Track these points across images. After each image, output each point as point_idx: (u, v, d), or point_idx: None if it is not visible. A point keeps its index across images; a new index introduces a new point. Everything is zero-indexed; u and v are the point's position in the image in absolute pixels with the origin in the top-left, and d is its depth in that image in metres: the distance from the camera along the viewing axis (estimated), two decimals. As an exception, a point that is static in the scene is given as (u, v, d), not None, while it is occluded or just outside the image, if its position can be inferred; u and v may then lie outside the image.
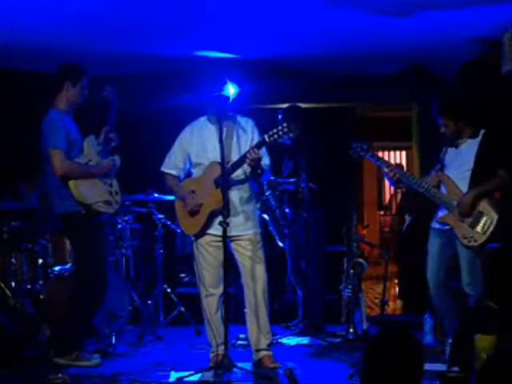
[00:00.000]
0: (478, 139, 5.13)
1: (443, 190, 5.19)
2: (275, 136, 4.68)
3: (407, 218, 7.68)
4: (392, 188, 11.06)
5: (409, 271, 7.47)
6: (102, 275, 5.04)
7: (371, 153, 5.34)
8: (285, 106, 6.41)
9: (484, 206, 5.02)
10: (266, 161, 4.94)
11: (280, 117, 6.16)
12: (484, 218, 5.01)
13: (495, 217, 4.99)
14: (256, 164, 4.77)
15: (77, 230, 5.06)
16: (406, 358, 2.48)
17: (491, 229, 4.99)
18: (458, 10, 5.45)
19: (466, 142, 5.17)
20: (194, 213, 4.93)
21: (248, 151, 4.74)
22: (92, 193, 4.97)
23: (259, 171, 4.88)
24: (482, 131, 5.15)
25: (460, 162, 5.15)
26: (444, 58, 6.84)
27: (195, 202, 4.91)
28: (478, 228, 5.00)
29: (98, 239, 5.06)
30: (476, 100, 5.74)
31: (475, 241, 5.00)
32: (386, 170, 5.22)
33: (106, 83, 5.25)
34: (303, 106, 6.61)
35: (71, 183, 4.91)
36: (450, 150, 5.22)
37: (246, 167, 4.86)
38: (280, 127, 4.67)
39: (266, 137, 4.71)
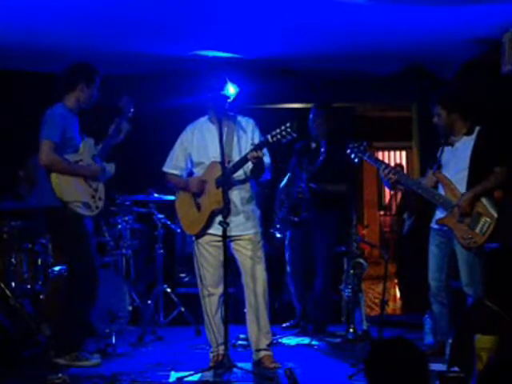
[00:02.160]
0: (473, 136, 5.13)
1: (441, 190, 5.19)
2: (278, 136, 4.68)
3: (407, 219, 7.67)
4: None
5: (409, 271, 7.47)
6: (89, 271, 5.02)
7: (369, 154, 5.34)
8: (310, 105, 6.43)
9: (482, 206, 5.02)
10: (266, 160, 4.94)
11: (311, 116, 6.19)
12: (483, 219, 5.00)
13: (494, 217, 5.00)
14: (258, 162, 4.77)
15: (54, 224, 5.08)
16: (407, 366, 2.47)
17: (490, 229, 4.98)
18: (458, 10, 5.45)
19: (461, 140, 5.17)
20: (200, 192, 4.92)
21: (250, 150, 4.75)
22: (71, 191, 4.96)
23: (260, 170, 4.88)
24: (477, 128, 5.15)
25: (456, 161, 5.14)
26: (444, 58, 6.84)
27: (197, 179, 4.93)
28: (477, 229, 5.00)
29: (78, 235, 5.02)
30: (475, 99, 5.73)
31: (474, 242, 5.00)
32: (383, 171, 5.22)
33: (124, 96, 5.27)
34: (301, 106, 6.62)
35: (53, 176, 4.91)
36: (447, 149, 5.21)
37: (246, 167, 4.87)
38: (283, 127, 4.66)
39: (269, 137, 4.71)
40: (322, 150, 5.96)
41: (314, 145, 6.23)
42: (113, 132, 5.22)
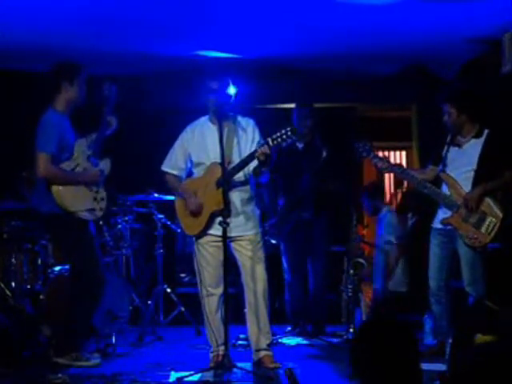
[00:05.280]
0: (482, 139, 5.13)
1: (445, 189, 5.19)
2: (279, 139, 4.67)
3: (410, 218, 7.65)
4: (392, 188, 11.06)
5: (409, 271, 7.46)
6: (95, 274, 5.01)
7: (374, 153, 5.35)
8: (293, 105, 6.40)
9: (488, 206, 5.03)
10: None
11: (296, 116, 6.17)
12: (488, 219, 5.01)
13: (499, 217, 5.01)
14: (264, 159, 4.75)
15: (57, 230, 5.07)
16: (394, 342, 2.46)
17: (495, 229, 5.00)
18: (458, 10, 5.45)
19: (470, 142, 5.16)
20: (195, 213, 4.93)
21: (254, 151, 4.74)
22: (75, 200, 4.93)
23: (264, 168, 4.87)
24: (486, 131, 5.14)
25: (463, 162, 5.14)
26: (444, 57, 6.84)
27: (196, 202, 4.92)
28: (483, 229, 5.01)
29: (82, 239, 5.01)
30: (483, 101, 5.73)
31: (480, 241, 5.01)
32: (387, 170, 5.24)
33: (105, 82, 5.20)
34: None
35: (55, 189, 4.88)
36: (453, 149, 5.21)
37: (246, 168, 4.86)
38: (284, 131, 4.66)
39: (269, 140, 4.70)
40: (324, 150, 5.97)
41: (300, 145, 6.21)
42: (103, 126, 5.16)
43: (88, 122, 5.14)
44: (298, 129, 6.10)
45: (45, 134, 4.90)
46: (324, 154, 5.97)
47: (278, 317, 6.05)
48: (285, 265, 6.23)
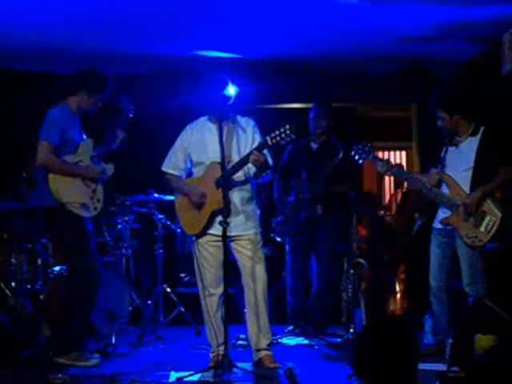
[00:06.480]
0: (478, 136, 5.13)
1: (445, 189, 5.19)
2: (277, 138, 4.66)
3: (417, 219, 7.63)
4: (392, 188, 11.08)
5: (410, 271, 7.46)
6: (91, 273, 5.02)
7: (373, 154, 5.35)
8: (310, 105, 6.40)
9: (487, 205, 5.04)
10: (268, 161, 4.93)
11: (311, 116, 6.16)
12: (487, 218, 5.02)
13: (498, 216, 5.01)
14: (261, 165, 4.76)
15: (55, 225, 5.08)
16: (397, 343, 2.47)
17: (495, 228, 5.00)
18: (458, 10, 5.45)
19: (466, 140, 5.17)
20: (200, 205, 4.92)
21: (250, 153, 4.74)
22: (69, 192, 4.95)
23: (264, 171, 4.88)
24: (482, 128, 5.15)
25: (460, 161, 5.15)
26: (444, 57, 6.84)
27: (199, 192, 4.91)
28: (482, 228, 5.02)
29: (78, 236, 5.01)
30: (475, 99, 5.74)
31: (479, 240, 5.02)
32: (387, 171, 5.24)
33: (124, 96, 5.24)
34: (301, 105, 6.61)
35: (51, 177, 4.91)
36: (451, 149, 5.23)
37: (246, 168, 4.85)
38: (282, 129, 4.64)
39: (268, 139, 4.69)
40: (341, 151, 5.97)
41: (315, 145, 6.21)
42: (109, 138, 5.21)
43: (94, 123, 5.17)
44: (312, 129, 6.16)
45: (49, 125, 4.94)
46: (340, 155, 5.97)
47: (278, 317, 6.06)
48: (288, 263, 6.22)
